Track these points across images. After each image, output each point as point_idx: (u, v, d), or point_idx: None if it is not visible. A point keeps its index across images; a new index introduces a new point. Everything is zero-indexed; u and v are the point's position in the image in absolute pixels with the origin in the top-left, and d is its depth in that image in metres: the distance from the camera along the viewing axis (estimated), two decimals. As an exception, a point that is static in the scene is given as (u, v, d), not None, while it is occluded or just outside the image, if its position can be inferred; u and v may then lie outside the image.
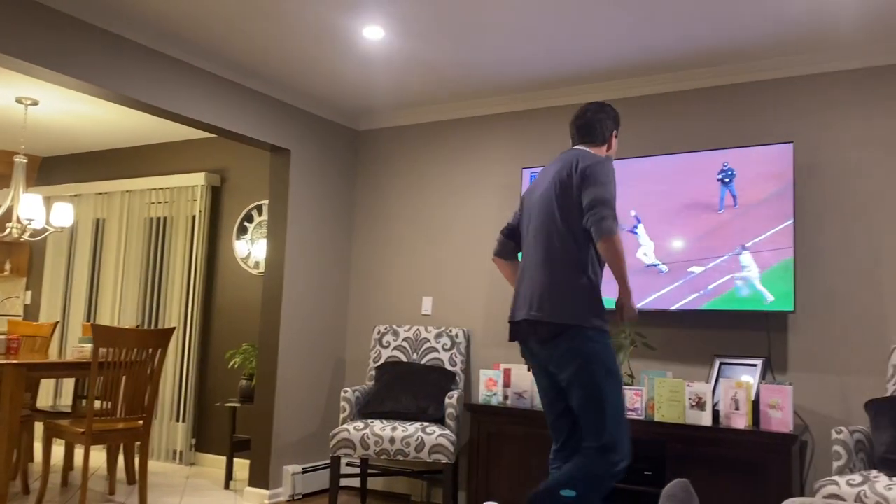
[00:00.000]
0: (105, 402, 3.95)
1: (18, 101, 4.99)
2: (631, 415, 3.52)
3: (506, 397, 3.93)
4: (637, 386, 3.68)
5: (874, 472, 2.85)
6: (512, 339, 2.90)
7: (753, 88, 3.88)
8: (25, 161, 5.00)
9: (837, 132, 3.67)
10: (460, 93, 4.54)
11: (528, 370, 3.29)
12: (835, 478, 2.79)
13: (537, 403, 3.82)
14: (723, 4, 3.21)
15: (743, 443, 3.23)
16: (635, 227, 3.91)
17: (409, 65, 4.09)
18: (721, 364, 3.67)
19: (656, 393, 3.47)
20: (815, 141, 3.71)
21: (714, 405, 3.41)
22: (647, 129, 4.14)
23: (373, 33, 3.67)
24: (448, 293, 4.70)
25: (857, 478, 2.76)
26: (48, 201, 6.52)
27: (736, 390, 3.33)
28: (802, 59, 3.73)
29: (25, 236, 4.93)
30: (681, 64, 3.90)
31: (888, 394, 3.20)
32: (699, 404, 3.38)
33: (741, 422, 3.29)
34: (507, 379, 3.94)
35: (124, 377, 3.98)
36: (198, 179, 5.61)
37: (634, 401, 3.53)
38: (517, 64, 4.00)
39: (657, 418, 3.44)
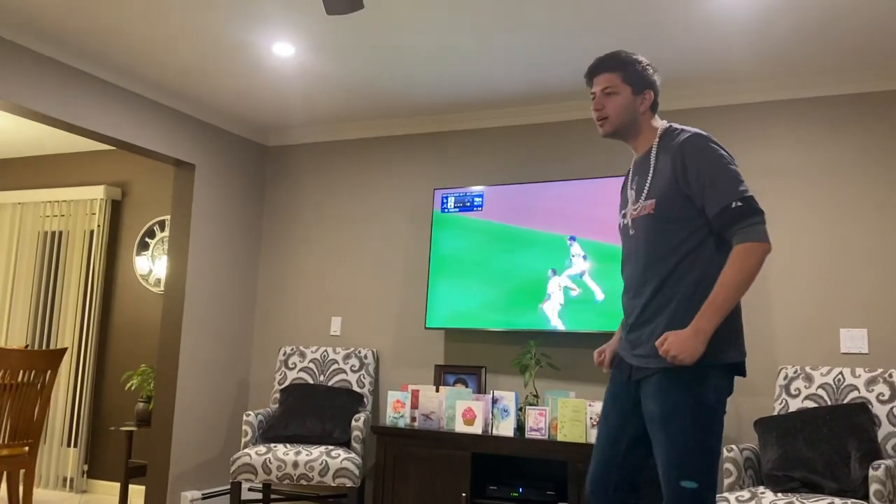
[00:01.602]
0: (-14, 428, 3.70)
1: None
2: (535, 434, 3.56)
3: (413, 419, 3.91)
4: (541, 406, 3.73)
5: (761, 488, 2.98)
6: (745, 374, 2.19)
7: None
8: None
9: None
10: (373, 112, 4.53)
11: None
12: (725, 494, 2.90)
13: (444, 425, 3.81)
14: (621, 36, 3.34)
15: (641, 461, 3.31)
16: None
17: (320, 82, 4.06)
18: (622, 384, 3.77)
19: (559, 413, 3.52)
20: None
21: (615, 425, 3.49)
22: (556, 155, 4.24)
23: (283, 50, 3.62)
24: (357, 313, 4.65)
25: (745, 494, 2.88)
26: (-70, 212, 6.11)
27: (635, 410, 3.42)
28: (699, 92, 3.92)
29: None
30: (580, 93, 4.03)
31: (775, 412, 3.35)
32: (600, 424, 3.45)
33: (640, 441, 3.38)
34: (415, 400, 3.92)
35: (9, 401, 3.74)
36: (97, 193, 5.38)
37: (539, 420, 3.57)
38: (429, 87, 4.03)
39: (560, 438, 3.50)
